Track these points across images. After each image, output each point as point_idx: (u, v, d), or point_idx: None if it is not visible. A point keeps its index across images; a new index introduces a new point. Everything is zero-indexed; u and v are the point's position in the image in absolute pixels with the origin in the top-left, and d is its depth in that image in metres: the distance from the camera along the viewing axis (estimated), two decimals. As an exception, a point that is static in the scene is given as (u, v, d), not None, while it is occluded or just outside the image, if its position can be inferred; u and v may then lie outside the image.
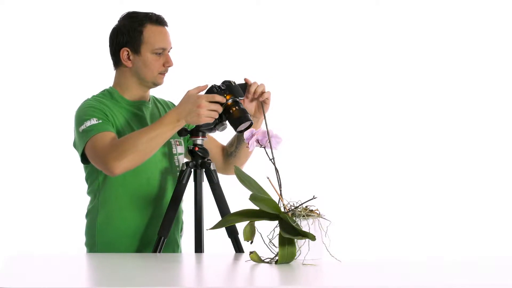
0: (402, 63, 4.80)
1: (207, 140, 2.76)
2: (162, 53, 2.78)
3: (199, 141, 2.71)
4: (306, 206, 2.31)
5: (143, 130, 2.62)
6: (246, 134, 2.45)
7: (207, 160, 2.71)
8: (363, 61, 4.79)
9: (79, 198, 3.06)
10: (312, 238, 2.20)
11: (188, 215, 2.79)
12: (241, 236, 2.61)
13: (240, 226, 2.35)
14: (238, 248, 2.68)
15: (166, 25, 2.81)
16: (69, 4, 4.53)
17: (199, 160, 2.70)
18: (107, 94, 2.82)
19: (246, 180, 2.34)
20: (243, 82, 2.72)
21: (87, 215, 2.83)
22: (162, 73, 2.80)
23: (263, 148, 2.45)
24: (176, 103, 2.98)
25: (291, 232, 2.22)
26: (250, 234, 2.27)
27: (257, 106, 2.76)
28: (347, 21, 4.79)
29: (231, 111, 2.63)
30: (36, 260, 2.41)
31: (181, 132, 2.69)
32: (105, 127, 2.67)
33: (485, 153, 4.82)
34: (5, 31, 4.51)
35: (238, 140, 2.89)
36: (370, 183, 4.75)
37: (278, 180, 2.35)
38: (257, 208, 2.25)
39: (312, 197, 2.29)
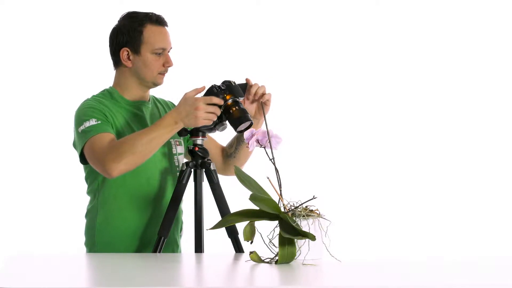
0: (402, 63, 4.80)
1: (207, 140, 2.76)
2: (162, 53, 2.78)
3: (199, 141, 2.71)
4: (306, 206, 2.31)
5: (141, 132, 2.62)
6: (246, 134, 2.45)
7: (207, 160, 2.71)
8: (363, 61, 4.80)
9: (79, 198, 3.06)
10: (312, 238, 2.20)
11: (188, 215, 2.79)
12: (241, 236, 2.61)
13: (240, 226, 2.35)
14: (238, 248, 2.68)
15: (166, 25, 2.81)
16: (69, 4, 4.53)
17: (199, 160, 2.70)
18: (107, 94, 2.82)
19: (246, 180, 2.34)
20: (243, 82, 2.72)
21: (86, 215, 2.83)
22: (162, 73, 2.80)
23: (263, 148, 2.45)
24: (176, 103, 2.99)
25: (291, 232, 2.22)
26: (250, 234, 2.27)
27: (258, 108, 2.76)
28: (347, 21, 4.79)
29: (231, 111, 2.63)
30: (36, 260, 2.41)
31: (181, 132, 2.69)
32: (104, 128, 2.67)
33: (485, 153, 4.82)
34: (5, 31, 4.51)
35: (237, 141, 2.89)
36: (370, 183, 4.75)
37: (278, 180, 2.35)
38: (257, 208, 2.25)
39: (312, 197, 2.29)
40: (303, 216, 2.29)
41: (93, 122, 2.68)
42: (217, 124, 2.68)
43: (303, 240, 2.25)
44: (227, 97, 2.64)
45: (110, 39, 2.82)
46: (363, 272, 2.15)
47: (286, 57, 4.74)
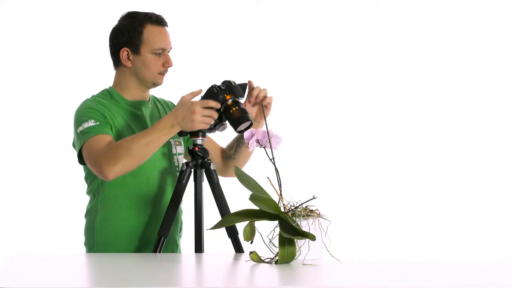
0: (402, 63, 4.80)
1: (206, 141, 2.76)
2: (162, 53, 2.78)
3: (199, 141, 2.71)
4: (306, 206, 2.31)
5: (138, 135, 2.62)
6: (246, 134, 2.45)
7: (207, 160, 2.71)
8: (363, 61, 4.79)
9: (79, 198, 3.06)
10: (312, 238, 2.20)
11: (188, 215, 2.79)
12: (241, 236, 2.61)
13: (240, 226, 2.35)
14: (238, 248, 2.68)
15: (166, 25, 2.81)
16: (69, 4, 4.53)
17: (199, 160, 2.70)
18: (106, 94, 2.82)
19: (246, 180, 2.34)
20: (243, 82, 2.72)
21: (86, 215, 2.83)
22: (162, 73, 2.80)
23: (263, 148, 2.45)
24: (176, 103, 2.99)
25: (291, 232, 2.22)
26: (250, 234, 2.27)
27: (259, 110, 2.76)
28: (347, 21, 4.79)
29: (231, 111, 2.63)
30: (36, 260, 2.41)
31: (181, 132, 2.69)
32: (102, 130, 2.68)
33: (485, 154, 4.82)
34: (5, 31, 4.51)
35: (237, 143, 2.89)
36: (370, 183, 4.75)
37: (278, 180, 2.35)
38: (257, 208, 2.25)
39: (312, 197, 2.28)
40: (303, 216, 2.29)
41: (91, 123, 2.68)
42: (217, 124, 2.68)
43: (303, 240, 2.25)
44: (227, 97, 2.64)
45: (110, 39, 2.82)
46: (363, 272, 2.15)
47: (286, 57, 4.74)
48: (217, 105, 2.61)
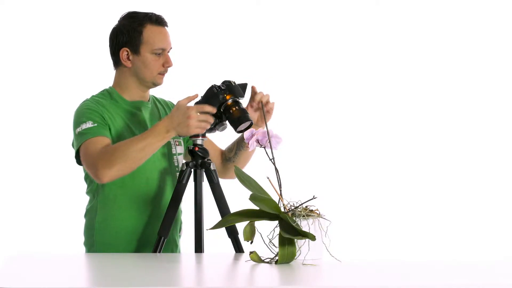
0: (402, 63, 4.81)
1: (206, 141, 2.76)
2: (162, 53, 2.78)
3: (199, 141, 2.71)
4: (306, 206, 2.31)
5: (133, 139, 2.62)
6: (246, 134, 2.45)
7: (207, 160, 2.71)
8: (363, 61, 4.80)
9: (79, 198, 3.06)
10: (312, 238, 2.20)
11: (188, 215, 2.79)
12: (241, 236, 2.61)
13: (240, 226, 2.35)
14: (238, 248, 2.68)
15: (166, 25, 2.81)
16: (69, 4, 4.53)
17: (199, 160, 2.70)
18: (106, 94, 2.82)
19: (246, 180, 2.34)
20: (243, 82, 2.72)
21: (85, 215, 2.83)
22: (162, 73, 2.80)
23: (263, 148, 2.45)
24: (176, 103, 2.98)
25: (291, 232, 2.22)
26: (250, 234, 2.27)
27: (260, 115, 2.77)
28: (347, 21, 4.79)
29: (231, 111, 2.63)
30: (36, 260, 2.41)
31: (181, 132, 2.69)
32: (100, 132, 2.68)
33: (485, 154, 4.82)
34: (5, 31, 4.51)
35: (237, 146, 2.89)
36: (370, 183, 4.75)
37: (278, 180, 2.35)
38: (257, 208, 2.25)
39: (312, 197, 2.29)
40: (303, 216, 2.29)
41: (89, 124, 2.68)
42: (217, 124, 2.68)
43: (303, 240, 2.25)
44: (227, 97, 2.64)
45: (110, 39, 2.82)
46: (363, 272, 2.15)
47: (286, 57, 4.74)
48: (213, 109, 2.61)
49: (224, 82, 2.67)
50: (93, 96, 2.82)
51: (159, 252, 2.65)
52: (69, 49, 4.53)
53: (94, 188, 2.78)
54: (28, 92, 4.52)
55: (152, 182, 2.78)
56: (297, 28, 4.76)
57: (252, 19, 4.72)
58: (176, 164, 2.84)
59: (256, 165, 2.86)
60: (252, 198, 2.25)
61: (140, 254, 2.68)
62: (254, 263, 2.25)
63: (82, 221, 2.84)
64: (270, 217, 2.27)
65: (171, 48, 2.81)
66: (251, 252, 2.26)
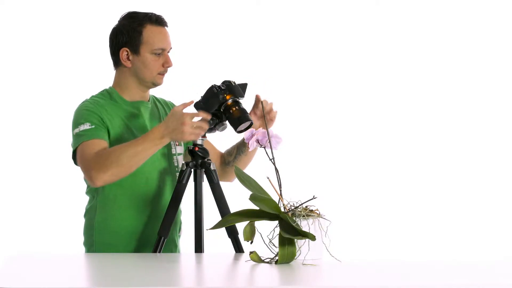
0: (402, 63, 4.80)
1: (206, 146, 2.76)
2: (162, 53, 2.78)
3: (199, 141, 2.71)
4: (306, 206, 2.31)
5: (127, 145, 2.62)
6: (246, 134, 2.45)
7: (207, 160, 2.71)
8: (363, 61, 4.79)
9: (78, 198, 3.07)
10: (312, 238, 2.20)
11: (188, 215, 2.79)
12: (241, 236, 2.61)
13: (240, 226, 2.35)
14: (238, 248, 2.68)
15: (166, 26, 2.81)
16: (69, 4, 4.53)
17: (199, 160, 2.70)
18: (106, 94, 2.82)
19: (246, 180, 2.34)
20: (243, 82, 2.71)
21: (85, 215, 2.83)
22: (162, 73, 2.80)
23: (263, 148, 2.45)
24: (176, 104, 2.98)
25: (291, 232, 2.22)
26: (250, 234, 2.27)
27: (262, 123, 2.77)
28: (347, 21, 4.79)
29: (231, 111, 2.63)
30: (36, 260, 2.41)
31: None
32: (97, 134, 2.68)
33: (485, 154, 4.82)
34: (5, 31, 4.51)
35: (237, 151, 2.89)
36: (370, 183, 4.75)
37: (278, 180, 2.35)
38: (257, 208, 2.25)
39: (312, 197, 2.29)
40: (303, 216, 2.29)
41: (87, 126, 2.69)
42: (217, 124, 2.68)
43: (303, 240, 2.25)
44: (227, 97, 2.64)
45: (110, 39, 2.82)
46: (363, 272, 2.15)
47: (286, 57, 4.74)
48: (207, 116, 2.61)
49: (224, 82, 2.67)
50: (92, 96, 2.82)
51: (159, 252, 2.65)
52: (69, 49, 4.53)
53: (94, 188, 2.78)
54: (28, 92, 4.52)
55: (152, 182, 2.78)
56: (297, 28, 4.76)
57: (252, 19, 4.72)
58: (176, 164, 2.84)
59: (256, 165, 2.86)
60: (252, 198, 2.25)
61: (140, 254, 2.68)
62: (254, 263, 2.25)
63: (82, 221, 2.84)
64: (270, 217, 2.27)
65: (171, 48, 2.81)
66: (251, 252, 2.26)
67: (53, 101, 4.47)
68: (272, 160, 2.41)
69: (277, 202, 2.29)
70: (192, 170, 2.70)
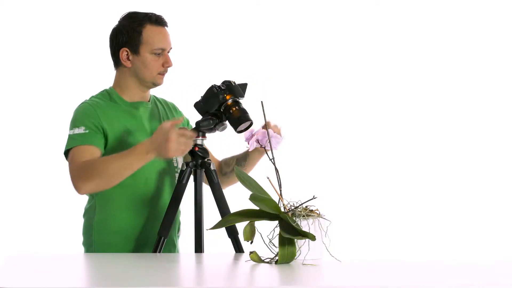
0: (402, 63, 4.80)
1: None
2: (162, 53, 2.77)
3: (199, 141, 2.71)
4: (306, 206, 2.31)
5: (113, 157, 2.62)
6: (246, 134, 2.45)
7: (207, 160, 2.71)
8: (363, 61, 4.79)
9: (78, 198, 3.06)
10: (312, 238, 2.20)
11: (188, 215, 2.79)
12: (241, 236, 2.61)
13: (240, 226, 2.35)
14: (238, 248, 2.68)
15: (166, 26, 2.81)
16: (69, 5, 4.53)
17: (199, 160, 2.70)
18: (105, 94, 2.82)
19: (246, 180, 2.34)
20: (243, 82, 2.71)
21: (84, 215, 2.84)
22: (162, 73, 2.80)
23: (263, 148, 2.45)
24: (177, 105, 2.99)
25: (291, 232, 2.22)
26: (250, 234, 2.27)
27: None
28: (347, 21, 4.79)
29: (231, 111, 2.63)
30: (36, 260, 2.41)
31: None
32: (89, 140, 2.68)
33: (485, 154, 4.82)
34: (5, 31, 4.51)
35: (236, 163, 2.89)
36: (370, 183, 4.75)
37: (278, 180, 2.35)
38: (257, 208, 2.25)
39: (312, 197, 2.29)
40: (303, 216, 2.29)
41: (81, 130, 2.69)
42: (217, 124, 2.68)
43: (303, 240, 2.25)
44: (227, 97, 2.64)
45: (110, 39, 2.82)
46: (363, 272, 2.15)
47: (286, 57, 4.74)
48: (193, 135, 2.60)
49: (224, 82, 2.67)
50: (92, 97, 2.82)
51: (159, 252, 2.65)
52: (70, 50, 4.52)
53: (93, 188, 2.78)
54: (29, 92, 4.52)
55: (151, 182, 2.78)
56: (297, 28, 4.76)
57: (252, 19, 4.72)
58: (175, 165, 2.84)
59: (256, 165, 2.86)
60: (252, 198, 2.25)
61: (140, 254, 2.68)
62: (254, 263, 2.25)
63: (81, 221, 2.84)
64: (270, 217, 2.27)
65: (171, 48, 2.81)
66: (251, 252, 2.26)
67: (54, 101, 4.47)
68: (272, 160, 2.41)
69: (277, 202, 2.29)
70: (192, 170, 2.70)
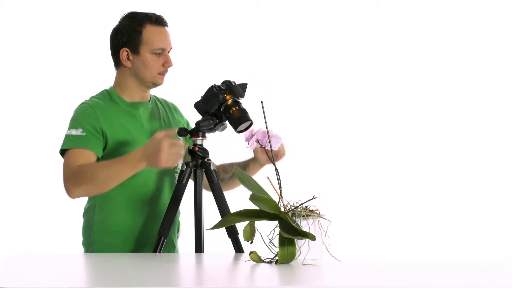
0: (402, 63, 4.80)
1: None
2: (162, 53, 2.77)
3: (199, 141, 2.71)
4: (306, 206, 2.31)
5: (105, 164, 2.62)
6: (246, 134, 2.45)
7: (207, 160, 2.71)
8: (363, 61, 4.79)
9: (79, 198, 3.06)
10: (312, 238, 2.20)
11: (188, 215, 2.79)
12: (241, 236, 2.61)
13: (240, 226, 2.35)
14: (238, 248, 2.68)
15: (166, 26, 2.81)
16: (70, 5, 4.53)
17: (199, 160, 2.70)
18: (106, 95, 2.82)
19: (246, 180, 2.34)
20: (243, 82, 2.71)
21: (84, 215, 2.84)
22: (162, 73, 2.80)
23: (263, 148, 2.45)
24: (177, 105, 2.98)
25: (291, 232, 2.22)
26: (250, 234, 2.27)
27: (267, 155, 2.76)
28: (347, 21, 4.79)
29: (231, 111, 2.63)
30: (36, 260, 2.41)
31: (181, 132, 2.69)
32: (85, 143, 2.68)
33: (485, 154, 4.82)
34: (5, 31, 4.51)
35: (234, 173, 2.89)
36: (370, 183, 4.75)
37: (278, 180, 2.35)
38: (257, 208, 2.25)
39: (312, 197, 2.28)
40: (303, 216, 2.29)
41: (79, 132, 2.70)
42: (217, 124, 2.68)
43: (303, 240, 2.25)
44: (227, 97, 2.64)
45: (110, 39, 2.82)
46: (363, 272, 2.15)
47: (286, 57, 4.74)
48: (184, 145, 2.59)
49: (224, 82, 2.67)
50: (92, 97, 2.82)
51: (159, 252, 2.65)
52: (70, 50, 4.52)
53: (93, 188, 2.78)
54: (29, 92, 4.52)
55: (151, 182, 2.78)
56: (297, 28, 4.76)
57: (252, 19, 4.72)
58: (175, 165, 2.83)
59: (255, 175, 2.85)
60: (252, 198, 2.25)
61: (140, 254, 2.68)
62: (254, 263, 2.25)
63: (81, 221, 2.84)
64: (270, 217, 2.27)
65: (171, 48, 2.81)
66: (251, 252, 2.26)
67: (54, 101, 4.47)
68: (272, 160, 2.41)
69: (277, 202, 2.29)
70: (192, 170, 2.70)
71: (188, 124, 2.95)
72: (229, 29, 4.69)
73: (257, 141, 2.45)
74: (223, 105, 2.64)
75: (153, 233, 2.72)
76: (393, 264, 2.33)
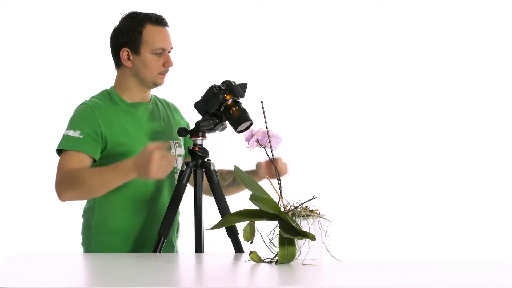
0: (402, 63, 4.80)
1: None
2: (162, 53, 2.77)
3: (199, 141, 2.71)
4: (306, 206, 2.31)
5: (96, 171, 2.63)
6: (246, 134, 2.45)
7: (207, 160, 2.71)
8: (363, 61, 4.79)
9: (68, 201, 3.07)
10: (312, 238, 2.20)
11: (188, 215, 2.79)
12: (241, 236, 2.60)
13: (240, 226, 2.35)
14: (238, 248, 2.68)
15: (167, 26, 2.81)
16: (70, 5, 4.53)
17: (199, 160, 2.70)
18: (106, 95, 2.82)
19: (246, 180, 2.34)
20: (243, 82, 2.71)
21: (83, 215, 2.84)
22: (162, 73, 2.80)
23: (263, 148, 2.45)
24: (178, 106, 2.98)
25: (291, 232, 2.22)
26: (250, 234, 2.27)
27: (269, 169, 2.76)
28: (347, 21, 4.78)
29: (231, 111, 2.63)
30: (36, 260, 2.41)
31: (181, 132, 2.69)
32: (81, 146, 2.68)
33: (485, 154, 4.82)
34: (5, 31, 4.51)
35: (233, 181, 2.89)
36: (370, 183, 4.75)
37: (278, 180, 2.35)
38: (257, 208, 2.25)
39: (312, 197, 2.28)
40: (303, 216, 2.29)
41: (76, 134, 2.70)
42: (217, 124, 2.68)
43: (303, 240, 2.25)
44: (227, 97, 2.64)
45: (111, 39, 2.82)
46: (363, 272, 2.15)
47: (286, 57, 4.74)
48: (172, 160, 2.58)
49: (224, 82, 2.67)
50: (92, 97, 2.82)
51: (159, 252, 2.65)
52: (70, 50, 4.52)
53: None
54: (29, 92, 4.52)
55: (151, 182, 2.78)
56: (297, 28, 4.76)
57: (252, 19, 4.72)
58: (175, 165, 2.83)
59: (256, 165, 2.86)
60: (252, 198, 2.25)
61: (139, 254, 2.68)
62: (254, 263, 2.25)
63: (81, 221, 2.84)
64: (270, 217, 2.27)
65: (171, 48, 2.81)
66: (251, 252, 2.26)
67: (54, 101, 4.47)
68: (272, 160, 2.41)
69: (277, 202, 2.29)
70: (192, 170, 2.70)
71: (188, 126, 2.95)
72: (229, 29, 4.69)
73: (257, 141, 2.45)
74: (223, 105, 2.64)
75: (152, 233, 2.72)
76: (393, 264, 2.33)
